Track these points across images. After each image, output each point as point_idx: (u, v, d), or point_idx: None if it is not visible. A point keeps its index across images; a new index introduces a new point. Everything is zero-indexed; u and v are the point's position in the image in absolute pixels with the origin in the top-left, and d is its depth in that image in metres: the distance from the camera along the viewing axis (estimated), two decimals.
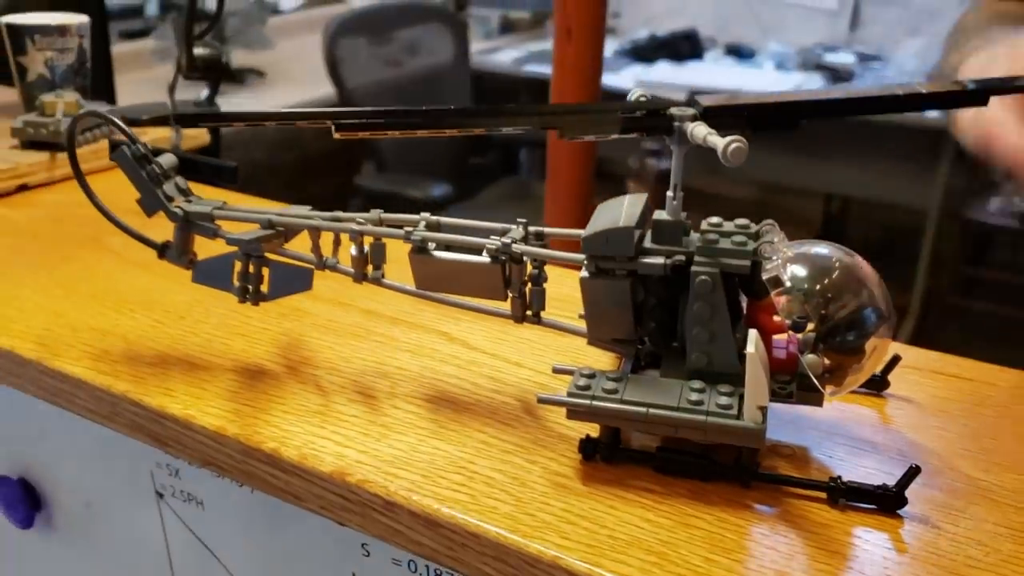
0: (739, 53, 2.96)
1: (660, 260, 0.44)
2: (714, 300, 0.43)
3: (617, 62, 2.93)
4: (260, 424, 0.47)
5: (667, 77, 2.89)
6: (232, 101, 2.97)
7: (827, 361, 0.44)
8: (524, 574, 0.40)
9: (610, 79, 3.03)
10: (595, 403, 0.43)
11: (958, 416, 0.49)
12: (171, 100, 0.87)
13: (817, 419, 0.48)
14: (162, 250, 0.52)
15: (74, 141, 0.51)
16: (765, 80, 2.76)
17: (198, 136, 0.89)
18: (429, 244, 0.47)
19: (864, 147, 2.40)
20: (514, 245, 0.46)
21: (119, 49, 2.52)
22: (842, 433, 0.47)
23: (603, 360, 0.52)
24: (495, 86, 2.88)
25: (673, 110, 0.43)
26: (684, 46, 2.97)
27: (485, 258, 0.46)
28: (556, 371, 0.47)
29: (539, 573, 0.39)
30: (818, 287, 0.43)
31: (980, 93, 0.45)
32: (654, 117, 0.43)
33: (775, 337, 0.45)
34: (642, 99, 0.45)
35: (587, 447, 0.45)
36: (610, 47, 3.03)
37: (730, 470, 0.43)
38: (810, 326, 0.44)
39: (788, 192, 2.79)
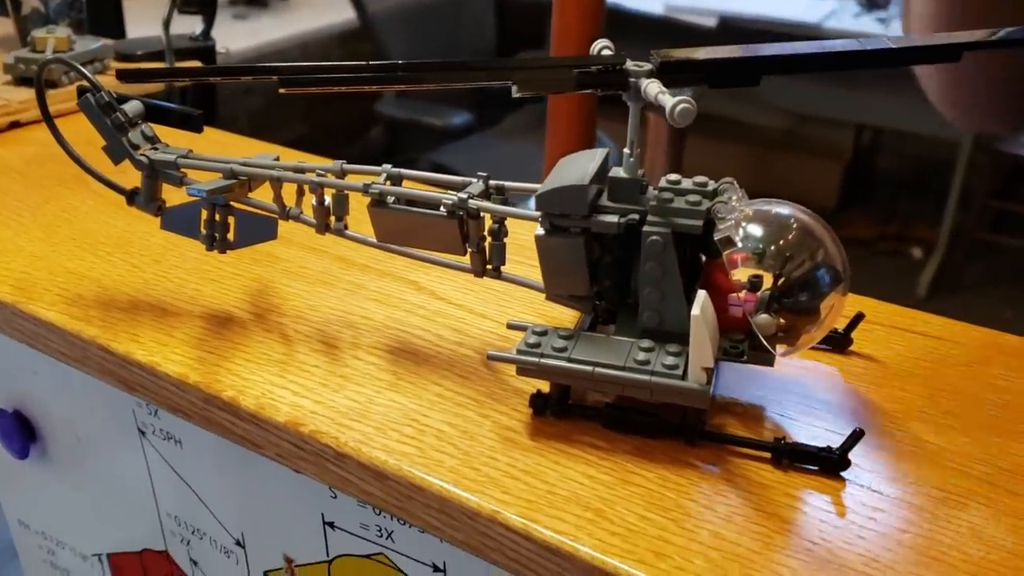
0: None
1: (614, 219, 0.43)
2: (665, 260, 0.43)
3: None
4: (221, 372, 0.48)
5: (697, 2, 2.83)
6: (255, 25, 2.96)
7: (782, 321, 0.44)
8: (465, 526, 0.41)
9: (637, 3, 2.98)
10: (543, 361, 0.43)
11: (920, 376, 0.49)
12: (165, 35, 0.87)
13: (775, 377, 0.48)
14: (131, 196, 0.52)
15: (42, 85, 0.51)
16: (797, 5, 2.69)
17: None
18: (388, 198, 0.47)
19: (897, 76, 2.34)
20: (471, 200, 0.46)
21: None
22: (798, 392, 0.47)
23: (568, 314, 0.53)
24: (520, 9, 2.83)
25: (629, 65, 0.42)
26: None
27: (442, 212, 0.46)
28: (511, 327, 0.48)
29: (479, 526, 0.40)
30: (772, 247, 0.43)
31: (952, 48, 0.44)
32: (609, 73, 0.43)
33: (732, 295, 0.45)
34: (604, 52, 0.45)
35: (537, 402, 0.45)
36: None
37: (676, 428, 0.43)
38: (767, 284, 0.44)
39: (817, 122, 2.74)
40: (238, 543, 0.60)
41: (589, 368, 0.43)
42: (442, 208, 0.46)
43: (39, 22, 0.86)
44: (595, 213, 0.44)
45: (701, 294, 0.42)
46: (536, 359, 0.43)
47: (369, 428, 0.44)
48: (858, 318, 0.50)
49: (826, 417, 0.45)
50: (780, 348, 0.44)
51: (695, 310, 0.40)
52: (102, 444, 0.65)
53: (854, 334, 0.51)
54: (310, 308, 0.53)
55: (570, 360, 0.43)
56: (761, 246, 0.43)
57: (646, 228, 0.43)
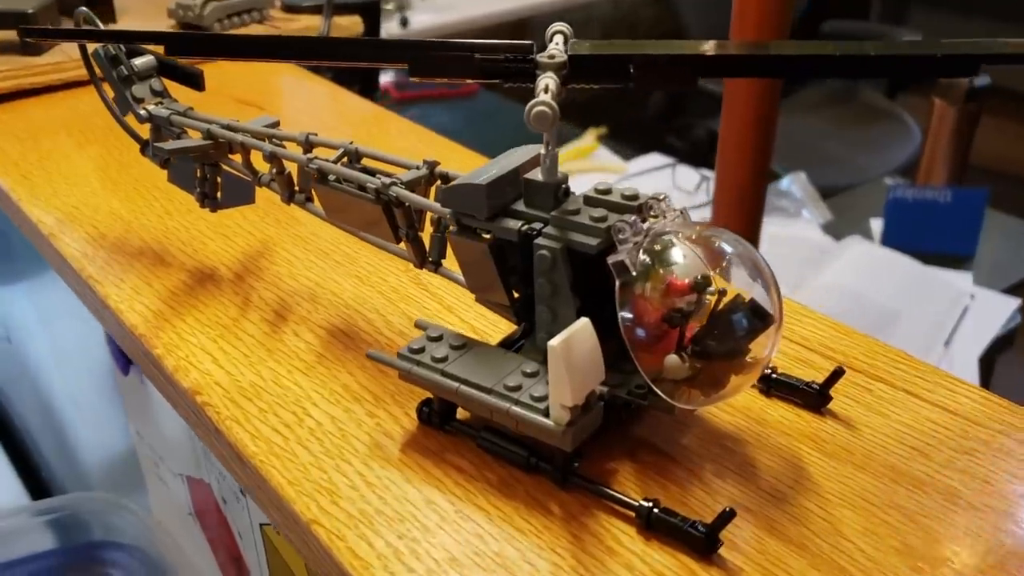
0: None
1: (515, 226, 0.39)
2: (554, 278, 0.38)
3: None
4: (165, 328, 0.49)
5: None
6: None
7: (696, 364, 0.38)
8: (291, 529, 0.39)
9: None
10: (415, 369, 0.40)
11: (898, 464, 0.40)
12: None
13: (716, 427, 0.42)
14: (144, 146, 0.54)
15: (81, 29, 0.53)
16: None
17: (351, 26, 0.91)
18: (329, 176, 0.46)
19: None
20: (393, 188, 0.43)
21: None
22: (730, 448, 0.41)
23: None
24: None
25: (541, 56, 0.38)
26: None
27: (370, 196, 0.44)
28: (417, 326, 0.45)
29: (300, 531, 0.38)
30: (692, 279, 0.37)
31: (969, 60, 0.35)
32: (516, 62, 0.38)
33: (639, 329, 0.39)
34: (556, 39, 0.40)
35: (423, 411, 0.42)
36: None
37: (542, 465, 0.39)
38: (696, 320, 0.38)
39: None
40: (242, 492, 0.62)
41: (455, 385, 0.39)
42: (369, 192, 0.44)
43: None
44: (503, 217, 0.40)
45: (580, 322, 0.36)
46: (411, 366, 0.40)
47: (254, 408, 0.43)
48: (836, 373, 0.42)
49: (741, 485, 0.39)
50: (696, 395, 0.38)
51: (554, 340, 0.35)
52: None
53: (837, 391, 0.43)
54: (290, 276, 0.53)
55: (443, 373, 0.40)
56: (677, 275, 0.37)
57: (537, 241, 0.38)
